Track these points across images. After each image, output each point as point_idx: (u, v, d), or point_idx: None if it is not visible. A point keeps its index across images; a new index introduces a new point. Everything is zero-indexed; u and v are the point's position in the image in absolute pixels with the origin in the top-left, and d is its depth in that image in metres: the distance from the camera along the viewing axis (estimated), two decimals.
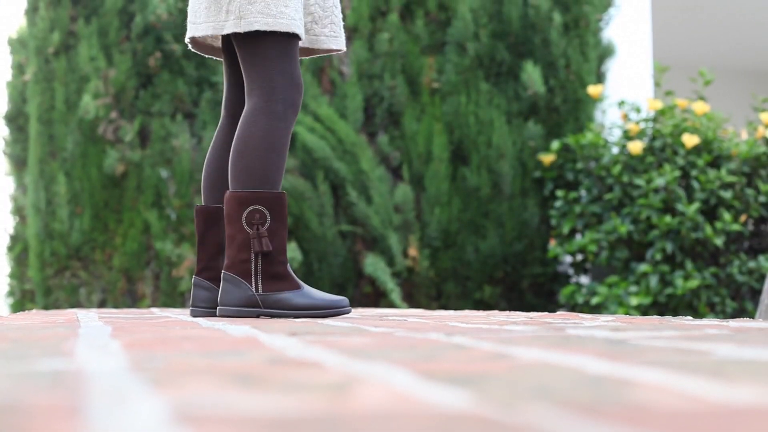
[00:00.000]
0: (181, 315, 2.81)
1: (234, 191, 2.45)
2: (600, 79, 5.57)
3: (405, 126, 5.27)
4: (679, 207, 4.84)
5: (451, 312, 3.14)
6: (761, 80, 10.78)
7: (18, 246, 5.65)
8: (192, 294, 2.68)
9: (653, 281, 4.80)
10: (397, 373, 0.87)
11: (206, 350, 1.15)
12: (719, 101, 9.81)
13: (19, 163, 5.78)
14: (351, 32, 5.30)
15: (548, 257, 5.24)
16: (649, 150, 5.06)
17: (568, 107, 5.39)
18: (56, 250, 5.12)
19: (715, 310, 4.91)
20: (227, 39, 2.69)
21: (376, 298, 5.13)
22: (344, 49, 2.68)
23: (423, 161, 5.24)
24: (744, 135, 5.36)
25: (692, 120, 5.15)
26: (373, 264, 4.96)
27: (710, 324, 1.79)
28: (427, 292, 5.17)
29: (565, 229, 5.08)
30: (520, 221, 5.28)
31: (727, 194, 4.91)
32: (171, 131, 5.12)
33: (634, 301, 4.76)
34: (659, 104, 5.17)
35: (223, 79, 3.18)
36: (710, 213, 5.06)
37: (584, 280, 5.49)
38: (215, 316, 2.62)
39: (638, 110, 5.21)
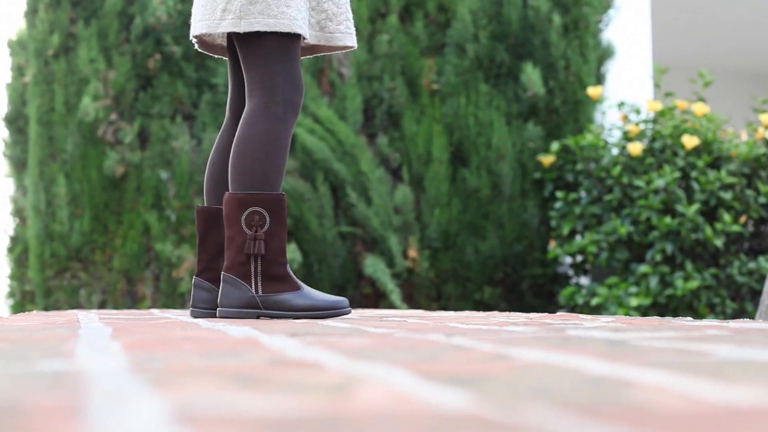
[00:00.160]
0: (181, 316, 2.81)
1: (233, 193, 2.44)
2: (600, 80, 5.57)
3: (405, 127, 5.27)
4: (679, 208, 4.84)
5: (451, 313, 3.14)
6: (761, 81, 10.78)
7: (18, 247, 5.65)
8: (192, 295, 2.68)
9: (653, 282, 4.80)
10: (397, 373, 0.87)
11: (206, 351, 1.15)
12: (719, 102, 9.81)
13: (19, 165, 5.78)
14: None
15: (548, 258, 5.24)
16: (648, 151, 5.06)
17: (567, 108, 5.39)
18: (56, 251, 5.12)
19: (715, 311, 4.91)
20: (231, 38, 2.67)
21: (376, 299, 5.13)
22: (356, 46, 2.66)
23: (423, 162, 5.25)
24: (744, 136, 5.36)
25: (692, 121, 5.16)
26: (373, 265, 4.96)
27: (710, 325, 1.79)
28: (427, 293, 5.17)
29: (565, 230, 5.08)
30: (519, 222, 5.28)
31: (727, 195, 4.92)
32: (171, 133, 5.12)
33: (634, 302, 4.76)
34: (659, 105, 5.17)
35: (227, 80, 3.17)
36: (710, 214, 5.06)
37: (584, 281, 5.49)
38: (215, 317, 2.62)
39: (638, 111, 5.21)
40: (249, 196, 2.42)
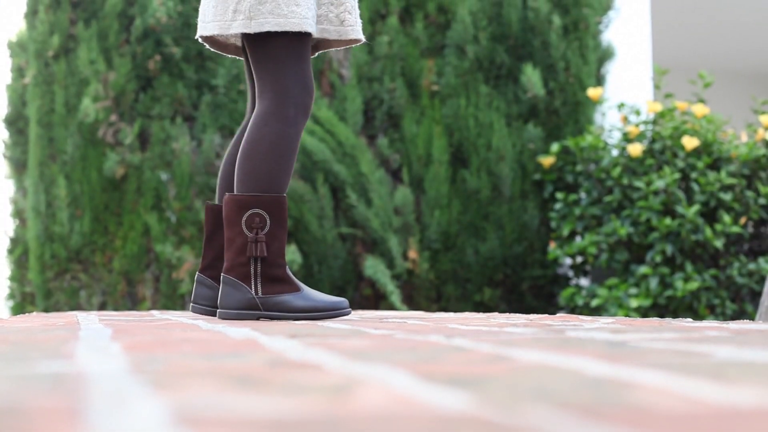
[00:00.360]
0: (181, 317, 2.81)
1: (233, 194, 2.43)
2: (599, 81, 5.57)
3: (405, 129, 5.27)
4: (679, 209, 4.84)
5: (451, 314, 3.14)
6: (761, 82, 10.78)
7: (18, 249, 5.65)
8: (194, 290, 2.67)
9: (653, 283, 4.80)
10: (397, 375, 0.87)
11: (206, 352, 1.15)
12: (719, 103, 9.81)
13: (19, 166, 5.78)
14: None
15: (548, 259, 5.24)
16: (648, 152, 5.06)
17: (567, 110, 5.39)
18: (56, 252, 5.12)
19: (715, 312, 4.91)
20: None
21: (376, 300, 5.13)
22: (364, 39, 2.63)
23: (423, 164, 5.25)
24: (744, 137, 5.36)
25: (692, 122, 5.16)
26: (373, 266, 4.96)
27: (710, 326, 1.79)
28: (427, 294, 5.17)
29: (565, 232, 5.08)
30: (519, 223, 5.28)
31: (726, 196, 4.92)
32: (171, 134, 5.12)
33: (634, 303, 4.76)
34: (659, 107, 5.17)
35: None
36: (710, 215, 5.06)
37: (584, 282, 5.49)
38: (215, 315, 2.62)
39: (638, 113, 5.21)
40: (249, 197, 2.41)
